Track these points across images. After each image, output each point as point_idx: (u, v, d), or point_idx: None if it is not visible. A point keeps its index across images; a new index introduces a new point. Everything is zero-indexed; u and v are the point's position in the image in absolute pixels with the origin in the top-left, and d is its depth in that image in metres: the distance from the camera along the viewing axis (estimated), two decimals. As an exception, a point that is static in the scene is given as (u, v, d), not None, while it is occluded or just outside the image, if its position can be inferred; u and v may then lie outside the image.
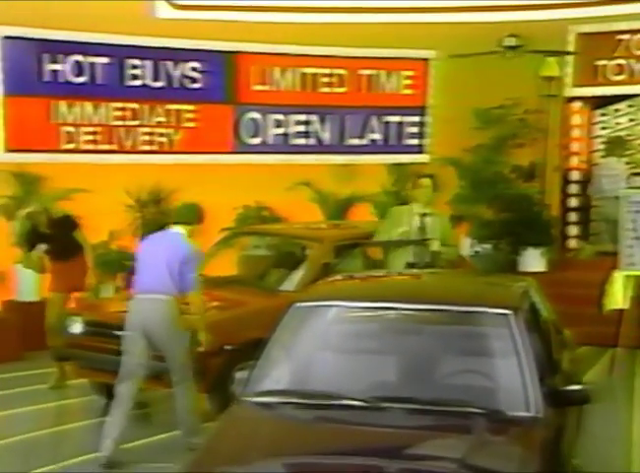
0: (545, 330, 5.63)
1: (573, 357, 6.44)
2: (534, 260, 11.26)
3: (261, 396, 5.02)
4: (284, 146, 11.36)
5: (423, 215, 8.12)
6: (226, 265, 9.55)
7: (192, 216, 7.16)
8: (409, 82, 11.63)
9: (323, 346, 5.40)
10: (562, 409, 4.95)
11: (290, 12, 10.91)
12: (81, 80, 10.45)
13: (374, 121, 11.56)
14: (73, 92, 10.45)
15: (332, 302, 5.52)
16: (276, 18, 10.81)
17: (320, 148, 11.47)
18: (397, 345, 5.33)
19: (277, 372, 5.20)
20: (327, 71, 11.31)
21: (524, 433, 4.63)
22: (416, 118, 11.67)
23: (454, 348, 5.26)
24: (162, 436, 7.19)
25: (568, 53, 11.68)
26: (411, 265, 7.82)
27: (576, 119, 11.90)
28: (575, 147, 11.96)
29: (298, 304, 5.44)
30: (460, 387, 4.98)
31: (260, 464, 4.49)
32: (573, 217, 11.91)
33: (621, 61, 11.53)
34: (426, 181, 8.33)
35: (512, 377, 4.86)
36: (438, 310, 5.31)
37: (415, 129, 11.71)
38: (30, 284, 10.48)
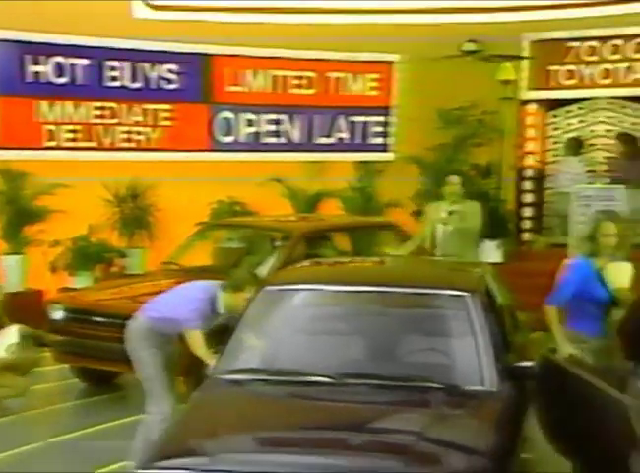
0: (500, 312, 5.66)
1: (527, 339, 6.47)
2: (491, 252, 11.30)
3: (232, 374, 5.01)
4: (255, 144, 11.35)
5: (450, 213, 8.10)
6: (203, 257, 9.51)
7: None
8: (374, 84, 11.66)
9: (292, 327, 5.39)
10: (517, 384, 4.98)
11: (263, 13, 10.91)
12: (62, 81, 10.41)
13: (341, 121, 11.57)
14: (54, 92, 10.40)
15: (300, 285, 5.52)
16: (249, 18, 10.80)
17: (290, 146, 11.47)
18: (362, 325, 5.34)
19: (247, 352, 5.20)
20: (296, 73, 11.32)
21: (479, 406, 4.67)
22: (381, 118, 11.70)
23: (415, 328, 5.29)
24: (137, 417, 7.16)
25: (523, 58, 11.75)
26: None
27: (530, 120, 11.97)
28: (529, 146, 12.03)
29: (268, 288, 5.44)
30: (421, 364, 5.01)
31: (231, 438, 4.48)
32: (527, 212, 11.97)
33: (572, 67, 11.63)
34: (454, 179, 8.28)
35: (469, 354, 4.90)
36: (401, 293, 5.33)
37: (380, 128, 11.74)
38: (15, 274, 10.42)
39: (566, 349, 5.66)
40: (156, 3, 10.74)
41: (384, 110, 11.69)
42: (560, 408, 5.27)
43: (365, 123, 11.70)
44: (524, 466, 4.82)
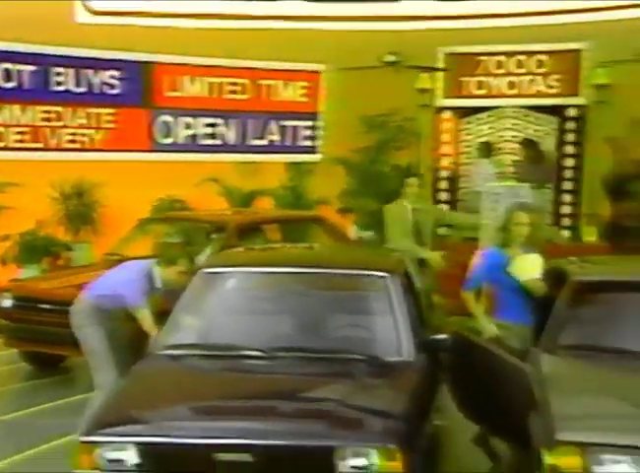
0: (417, 292, 5.76)
1: (443, 322, 6.57)
2: (410, 244, 11.40)
3: (170, 349, 5.01)
4: (193, 145, 11.27)
5: (414, 210, 8.11)
6: (143, 250, 9.41)
7: None
8: (303, 91, 11.70)
9: (226, 306, 5.42)
10: (432, 356, 5.07)
11: (200, 18, 10.86)
12: (10, 85, 10.19)
13: (273, 125, 11.58)
14: (3, 96, 10.18)
15: (234, 267, 5.54)
16: (186, 23, 10.75)
17: (225, 147, 11.42)
18: (292, 303, 5.39)
19: (185, 329, 5.19)
20: (231, 80, 11.29)
21: (397, 375, 4.75)
22: (310, 123, 11.75)
23: (340, 305, 5.36)
24: (82, 396, 7.09)
25: (438, 69, 11.92)
26: None
27: (445, 126, 12.11)
28: (444, 150, 12.17)
29: (204, 270, 5.45)
30: (345, 338, 5.09)
31: (169, 407, 4.48)
32: (442, 208, 12.13)
33: (482, 78, 11.83)
34: (413, 181, 8.34)
35: (388, 328, 4.99)
36: (327, 274, 5.39)
37: (308, 132, 11.78)
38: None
39: (491, 329, 5.61)
40: (95, 8, 10.64)
41: (312, 115, 11.76)
42: (469, 378, 5.39)
43: (295, 127, 11.73)
44: (437, 432, 4.91)
